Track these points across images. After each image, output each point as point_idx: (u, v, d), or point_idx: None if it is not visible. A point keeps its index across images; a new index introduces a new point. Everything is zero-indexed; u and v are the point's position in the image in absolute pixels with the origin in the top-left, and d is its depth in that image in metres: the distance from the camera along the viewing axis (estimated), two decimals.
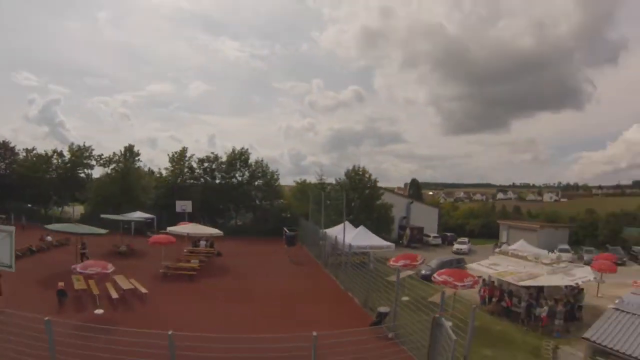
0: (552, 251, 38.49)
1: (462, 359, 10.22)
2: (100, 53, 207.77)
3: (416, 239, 53.77)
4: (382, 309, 15.05)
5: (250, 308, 18.44)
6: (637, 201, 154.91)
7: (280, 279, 25.13)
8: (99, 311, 15.77)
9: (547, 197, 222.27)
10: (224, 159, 49.48)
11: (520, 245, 33.67)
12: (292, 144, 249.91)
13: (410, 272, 24.75)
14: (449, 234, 59.82)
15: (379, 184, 52.31)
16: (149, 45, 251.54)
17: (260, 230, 43.88)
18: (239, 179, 49.58)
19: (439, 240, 56.21)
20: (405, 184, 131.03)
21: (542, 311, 19.93)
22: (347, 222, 30.25)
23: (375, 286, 18.92)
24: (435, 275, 20.58)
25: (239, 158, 49.19)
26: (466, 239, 53.58)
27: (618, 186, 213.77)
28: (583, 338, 16.38)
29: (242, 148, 49.77)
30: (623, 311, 17.36)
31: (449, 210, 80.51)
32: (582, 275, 23.28)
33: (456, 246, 50.41)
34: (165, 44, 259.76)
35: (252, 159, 50.34)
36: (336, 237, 27.16)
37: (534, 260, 25.36)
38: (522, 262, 25.36)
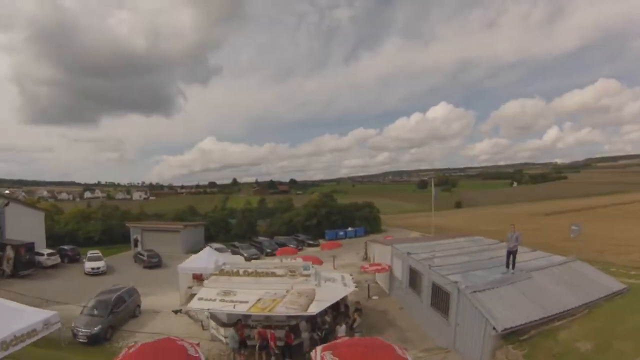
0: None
1: None
2: None
3: (27, 262, 33.32)
4: None
5: None
6: (217, 197, 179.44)
7: None
8: None
9: (136, 195, 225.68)
10: None
11: (208, 257, 23.65)
12: None
13: None
14: (68, 248, 41.72)
15: None
16: None
17: None
18: None
19: (57, 259, 37.58)
20: None
21: (341, 330, 15.71)
22: None
23: None
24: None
25: None
26: (98, 252, 38.39)
27: (198, 186, 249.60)
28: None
29: None
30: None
31: (52, 213, 59.78)
32: (339, 275, 19.94)
33: (89, 265, 34.93)
34: None
35: None
36: None
37: (287, 274, 17.96)
38: (264, 280, 17.62)
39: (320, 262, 25.21)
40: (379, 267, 22.85)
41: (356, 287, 17.98)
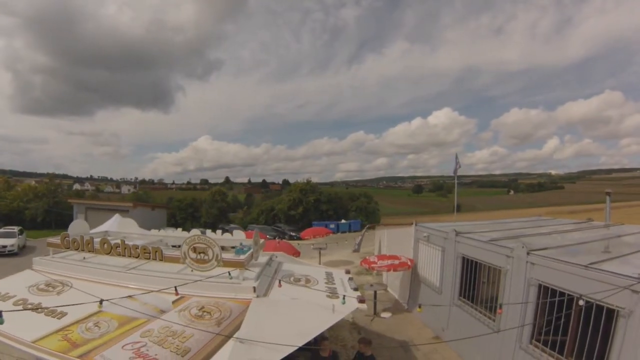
0: None
1: None
2: None
3: None
4: None
5: None
6: (206, 193, 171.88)
7: None
8: None
9: (124, 189, 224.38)
10: None
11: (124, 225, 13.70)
12: None
13: None
14: None
15: None
16: None
17: None
18: None
19: None
20: None
21: None
22: None
23: None
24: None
25: None
26: (15, 229, 30.88)
27: (189, 183, 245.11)
28: None
29: None
30: None
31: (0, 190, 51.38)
32: (322, 271, 9.85)
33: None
34: None
35: None
36: None
37: (187, 254, 7.17)
38: (142, 267, 7.64)
39: (296, 253, 15.90)
40: (395, 262, 13.48)
41: (361, 300, 7.43)
